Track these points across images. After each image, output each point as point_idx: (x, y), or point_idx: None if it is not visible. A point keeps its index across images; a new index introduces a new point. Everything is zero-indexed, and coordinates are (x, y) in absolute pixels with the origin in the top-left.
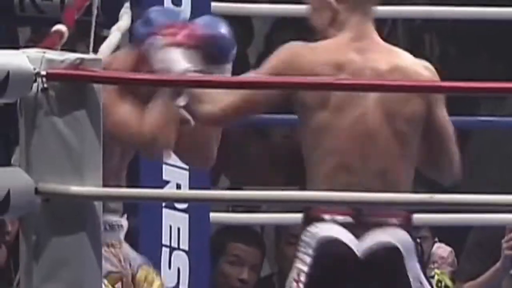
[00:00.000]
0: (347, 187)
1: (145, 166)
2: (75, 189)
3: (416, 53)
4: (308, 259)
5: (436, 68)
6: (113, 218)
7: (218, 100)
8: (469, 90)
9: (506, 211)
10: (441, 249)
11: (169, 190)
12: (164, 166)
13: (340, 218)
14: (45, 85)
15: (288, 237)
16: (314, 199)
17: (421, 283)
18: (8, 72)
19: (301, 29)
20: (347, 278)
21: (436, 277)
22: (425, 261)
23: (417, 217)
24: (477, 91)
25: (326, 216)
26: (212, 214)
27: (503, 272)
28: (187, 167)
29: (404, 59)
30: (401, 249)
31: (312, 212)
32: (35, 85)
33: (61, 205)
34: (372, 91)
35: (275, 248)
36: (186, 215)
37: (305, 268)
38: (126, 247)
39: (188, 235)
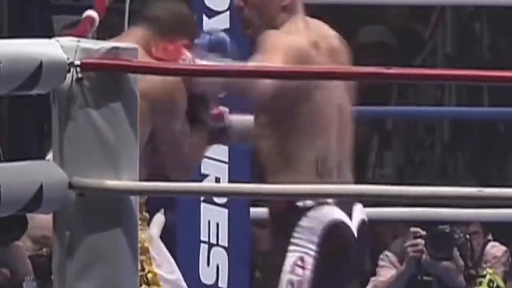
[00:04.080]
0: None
1: None
2: (111, 183)
3: (465, 42)
4: (311, 245)
5: (486, 58)
6: None
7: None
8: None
9: None
10: (495, 248)
11: (207, 184)
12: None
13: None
14: (80, 75)
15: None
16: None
17: None
18: (41, 62)
19: None
20: (349, 256)
21: (488, 276)
22: (475, 259)
23: (466, 212)
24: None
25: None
26: (252, 209)
27: None
28: (226, 160)
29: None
30: (367, 221)
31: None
32: (69, 75)
33: (96, 200)
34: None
35: None
36: (226, 210)
37: (311, 252)
38: None
39: (227, 231)
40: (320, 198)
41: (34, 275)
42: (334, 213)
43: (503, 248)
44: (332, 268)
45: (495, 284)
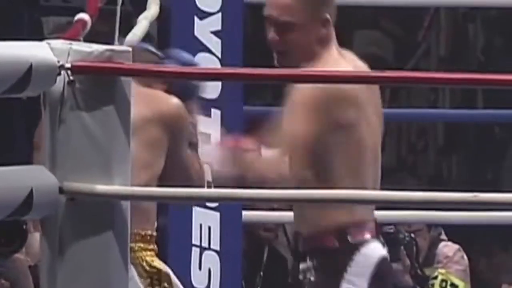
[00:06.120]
0: None
1: None
2: (102, 188)
3: (459, 44)
4: (363, 281)
5: (480, 60)
6: None
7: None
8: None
9: None
10: (447, 248)
11: (200, 190)
12: None
13: (373, 235)
14: (71, 78)
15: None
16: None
17: None
18: (31, 65)
19: None
20: None
21: (439, 277)
22: (421, 257)
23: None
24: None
25: (367, 236)
26: (244, 213)
27: None
28: None
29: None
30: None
31: (355, 235)
32: (60, 78)
33: (87, 205)
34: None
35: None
36: (218, 214)
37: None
38: None
39: (219, 235)
40: (322, 203)
41: None
42: (381, 249)
43: (456, 246)
44: None
45: (448, 283)
